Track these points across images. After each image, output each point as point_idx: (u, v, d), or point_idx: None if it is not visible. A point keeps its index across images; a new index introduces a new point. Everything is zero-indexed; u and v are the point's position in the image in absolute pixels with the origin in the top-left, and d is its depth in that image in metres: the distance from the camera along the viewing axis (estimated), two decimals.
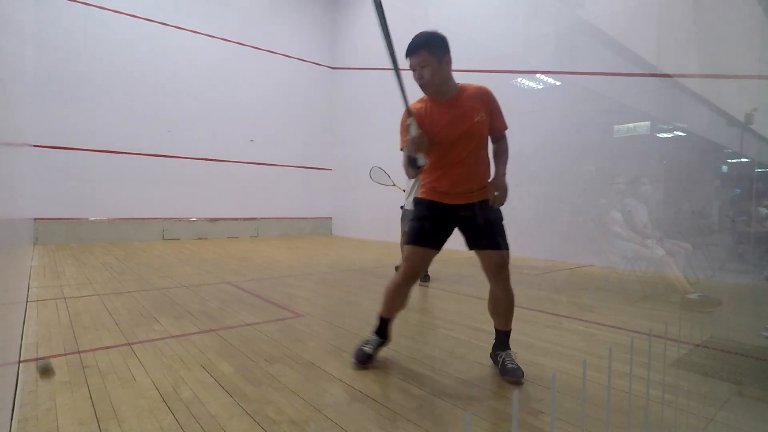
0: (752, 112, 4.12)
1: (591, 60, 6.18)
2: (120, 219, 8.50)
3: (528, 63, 7.05)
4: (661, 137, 5.63)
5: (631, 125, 5.65)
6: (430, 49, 1.96)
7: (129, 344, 2.47)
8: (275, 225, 10.71)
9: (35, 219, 7.49)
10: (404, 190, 4.42)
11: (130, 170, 8.59)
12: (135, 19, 8.62)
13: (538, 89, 7.06)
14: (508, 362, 2.05)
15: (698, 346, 2.41)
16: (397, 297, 2.17)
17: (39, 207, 7.55)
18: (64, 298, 3.58)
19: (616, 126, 5.76)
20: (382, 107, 10.05)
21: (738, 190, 4.64)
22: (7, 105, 2.06)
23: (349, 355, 2.28)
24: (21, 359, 2.22)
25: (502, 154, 2.11)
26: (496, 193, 2.00)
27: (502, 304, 2.15)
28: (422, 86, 2.02)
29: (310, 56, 11.31)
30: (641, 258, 4.31)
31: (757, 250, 4.09)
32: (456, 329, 2.88)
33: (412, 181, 4.18)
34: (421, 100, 2.10)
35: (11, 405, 1.70)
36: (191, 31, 9.34)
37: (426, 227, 2.11)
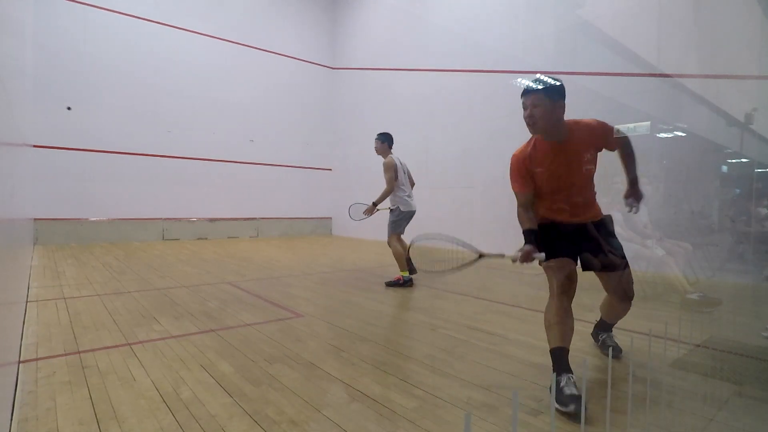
0: (752, 112, 4.11)
1: (591, 60, 6.18)
2: (120, 219, 8.50)
3: (528, 63, 7.05)
4: (661, 137, 5.63)
5: (631, 125, 5.62)
6: (546, 92, 2.05)
7: (129, 344, 2.47)
8: (275, 225, 10.71)
9: (35, 219, 7.49)
10: (389, 209, 4.54)
11: (130, 170, 8.59)
12: (135, 19, 8.62)
13: (538, 89, 7.05)
14: (608, 341, 2.42)
15: (698, 346, 2.41)
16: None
17: (39, 207, 7.54)
18: (64, 298, 3.58)
19: (616, 126, 5.75)
20: (382, 107, 10.06)
21: (738, 190, 4.64)
22: (7, 105, 2.06)
23: (348, 354, 2.27)
24: (21, 359, 2.22)
25: (630, 155, 2.31)
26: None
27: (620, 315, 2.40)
28: (529, 126, 2.11)
29: (310, 56, 11.31)
30: (641, 258, 4.30)
31: (757, 250, 4.09)
32: (456, 329, 2.88)
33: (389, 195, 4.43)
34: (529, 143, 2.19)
35: (11, 405, 1.70)
36: (191, 31, 9.33)
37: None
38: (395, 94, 9.68)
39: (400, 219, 4.43)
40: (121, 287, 4.09)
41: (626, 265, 2.19)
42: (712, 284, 4.30)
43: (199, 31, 9.45)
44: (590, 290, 4.59)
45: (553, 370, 1.84)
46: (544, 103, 2.00)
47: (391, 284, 4.36)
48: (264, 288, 4.21)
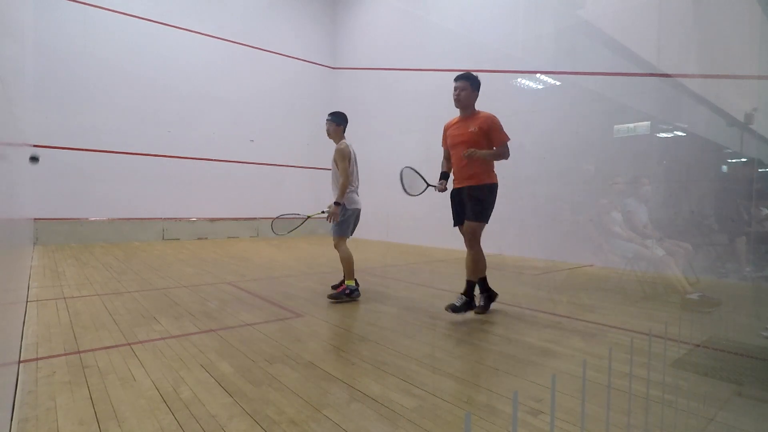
0: (752, 112, 4.11)
1: (591, 60, 6.18)
2: (120, 219, 8.49)
3: (528, 63, 7.05)
4: (661, 137, 5.63)
5: (631, 125, 5.64)
6: (471, 81, 3.25)
7: (129, 344, 2.47)
8: (275, 225, 10.70)
9: (35, 219, 7.49)
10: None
11: (130, 170, 8.59)
12: (135, 19, 8.62)
13: (538, 89, 7.06)
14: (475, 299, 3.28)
15: (698, 346, 2.41)
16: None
17: (39, 207, 7.54)
18: (64, 298, 3.58)
19: (616, 126, 5.76)
20: (382, 107, 10.05)
21: (738, 190, 4.64)
22: (7, 105, 2.06)
23: (348, 354, 2.27)
24: (21, 359, 2.22)
25: (498, 155, 3.19)
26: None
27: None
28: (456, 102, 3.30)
29: (310, 56, 11.31)
30: (641, 258, 4.30)
31: (757, 250, 4.09)
32: (456, 329, 2.88)
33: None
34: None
35: (11, 405, 1.70)
36: (191, 31, 9.33)
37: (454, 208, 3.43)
38: (395, 94, 9.68)
39: (347, 219, 3.76)
40: (121, 287, 4.09)
41: (470, 223, 3.19)
42: (712, 284, 4.30)
43: (199, 31, 9.45)
44: (590, 290, 4.59)
45: (484, 290, 3.31)
46: (468, 89, 3.21)
47: (334, 297, 3.62)
48: (264, 288, 4.21)
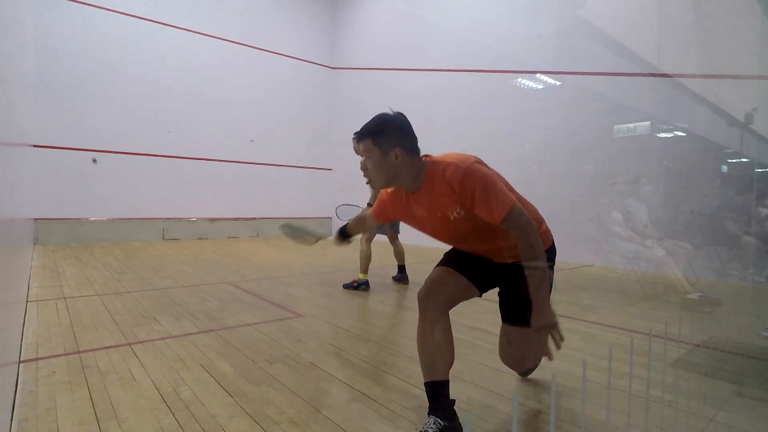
0: (752, 112, 4.11)
1: (591, 60, 6.18)
2: (120, 219, 8.49)
3: (528, 63, 7.05)
4: (661, 137, 5.63)
5: (631, 125, 5.64)
6: (374, 138, 1.56)
7: (129, 344, 2.47)
8: (275, 225, 10.71)
9: (35, 219, 7.49)
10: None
11: (130, 170, 8.59)
12: (135, 19, 8.62)
13: (538, 89, 7.06)
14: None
15: (698, 346, 2.41)
16: None
17: (39, 207, 7.54)
18: (64, 298, 3.58)
19: (616, 126, 5.76)
20: (382, 107, 10.00)
21: (738, 190, 4.64)
22: (7, 105, 2.06)
23: (348, 354, 2.27)
24: (21, 359, 2.22)
25: (521, 253, 1.46)
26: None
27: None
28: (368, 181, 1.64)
29: (310, 56, 11.31)
30: (641, 258, 4.30)
31: (757, 250, 4.09)
32: (456, 329, 2.87)
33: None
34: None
35: (11, 405, 1.70)
36: (191, 31, 9.33)
37: None
38: (395, 94, 9.68)
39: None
40: (121, 287, 4.09)
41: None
42: (712, 284, 4.31)
43: (199, 31, 9.45)
44: (590, 290, 4.59)
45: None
46: (375, 153, 1.56)
47: (348, 287, 4.18)
48: (264, 288, 4.21)
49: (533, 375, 2.08)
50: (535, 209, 1.71)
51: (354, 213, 4.55)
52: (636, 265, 4.37)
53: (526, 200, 1.68)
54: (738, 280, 4.29)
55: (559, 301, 3.77)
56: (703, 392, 1.92)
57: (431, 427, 1.41)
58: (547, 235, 1.74)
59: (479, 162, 1.53)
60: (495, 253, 1.68)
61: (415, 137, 1.59)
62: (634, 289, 4.25)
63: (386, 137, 1.54)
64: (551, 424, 0.80)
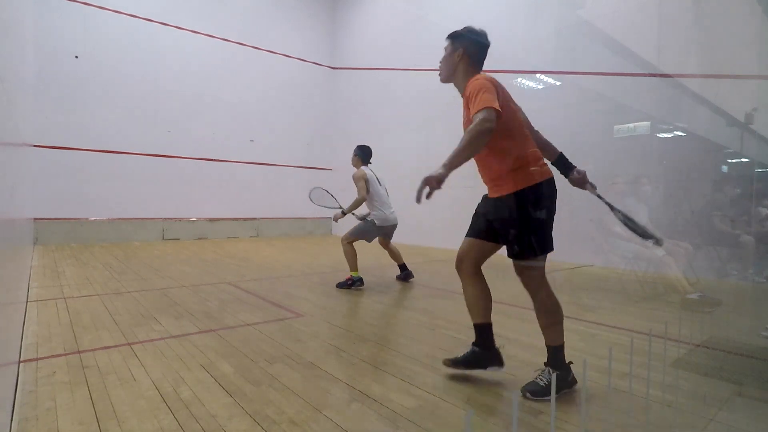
0: (752, 112, 4.11)
1: (591, 60, 6.18)
2: (120, 219, 8.49)
3: (528, 63, 7.05)
4: (661, 137, 5.63)
5: (631, 125, 5.64)
6: (452, 38, 2.12)
7: (129, 344, 2.47)
8: (275, 225, 10.71)
9: (35, 219, 7.48)
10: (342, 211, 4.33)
11: (130, 170, 8.59)
12: (135, 19, 8.62)
13: (538, 89, 7.05)
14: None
15: (698, 346, 2.41)
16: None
17: (39, 207, 7.54)
18: (64, 298, 3.58)
19: (616, 126, 5.75)
20: (382, 107, 10.05)
21: (738, 190, 4.64)
22: (7, 105, 2.06)
23: (348, 354, 2.27)
24: (21, 359, 2.22)
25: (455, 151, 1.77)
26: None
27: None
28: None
29: (310, 56, 11.30)
30: (641, 258, 4.30)
31: (757, 250, 4.09)
32: (456, 329, 2.88)
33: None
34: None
35: (11, 405, 1.70)
36: (191, 31, 9.33)
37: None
38: (395, 94, 9.68)
39: (369, 231, 4.28)
40: (121, 287, 4.09)
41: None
42: (712, 284, 4.30)
43: (199, 31, 9.45)
44: (590, 290, 4.59)
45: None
46: (448, 52, 2.18)
47: (341, 285, 4.22)
48: (264, 288, 4.21)
49: (533, 375, 2.07)
50: (528, 138, 2.04)
51: (327, 198, 4.78)
52: (636, 265, 4.37)
53: (522, 121, 2.05)
54: (738, 280, 4.29)
55: (560, 301, 3.77)
56: (703, 392, 1.92)
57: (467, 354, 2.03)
58: (528, 174, 1.96)
59: (488, 79, 1.88)
60: (490, 184, 2.10)
61: (484, 52, 2.06)
62: (634, 289, 4.25)
63: (459, 40, 2.07)
64: (551, 424, 0.80)
